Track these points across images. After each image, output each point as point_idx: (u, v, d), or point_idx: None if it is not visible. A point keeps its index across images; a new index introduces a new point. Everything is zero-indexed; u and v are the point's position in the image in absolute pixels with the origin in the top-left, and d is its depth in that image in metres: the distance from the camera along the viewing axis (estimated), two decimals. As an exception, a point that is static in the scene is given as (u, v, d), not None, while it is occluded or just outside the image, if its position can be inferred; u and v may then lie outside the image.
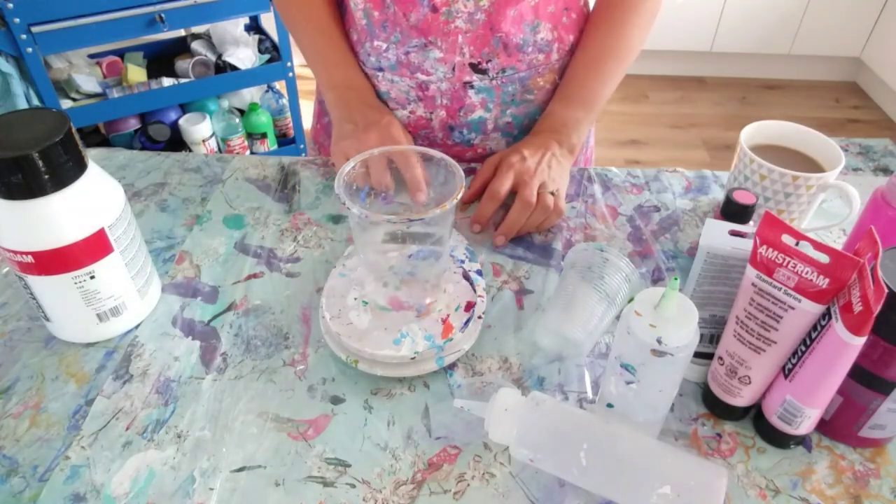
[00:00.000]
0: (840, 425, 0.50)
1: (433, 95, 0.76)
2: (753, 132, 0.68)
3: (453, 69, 0.73)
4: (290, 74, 1.95)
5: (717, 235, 0.50)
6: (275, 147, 2.10)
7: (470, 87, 0.75)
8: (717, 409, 0.52)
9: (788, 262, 0.44)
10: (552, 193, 0.67)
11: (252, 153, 2.07)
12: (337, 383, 0.55)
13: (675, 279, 0.42)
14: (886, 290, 0.41)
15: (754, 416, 0.52)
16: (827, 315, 0.43)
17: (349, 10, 0.76)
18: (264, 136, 2.05)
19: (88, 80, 1.80)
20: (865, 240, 0.45)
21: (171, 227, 0.70)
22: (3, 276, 0.64)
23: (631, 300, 0.45)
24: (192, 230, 0.69)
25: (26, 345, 0.57)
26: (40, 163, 0.47)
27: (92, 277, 0.53)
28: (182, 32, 2.06)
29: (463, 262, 0.61)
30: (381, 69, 0.76)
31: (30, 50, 1.57)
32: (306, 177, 0.77)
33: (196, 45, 1.99)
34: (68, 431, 0.51)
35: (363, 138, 0.69)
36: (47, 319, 0.56)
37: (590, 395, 0.54)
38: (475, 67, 0.73)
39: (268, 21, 2.07)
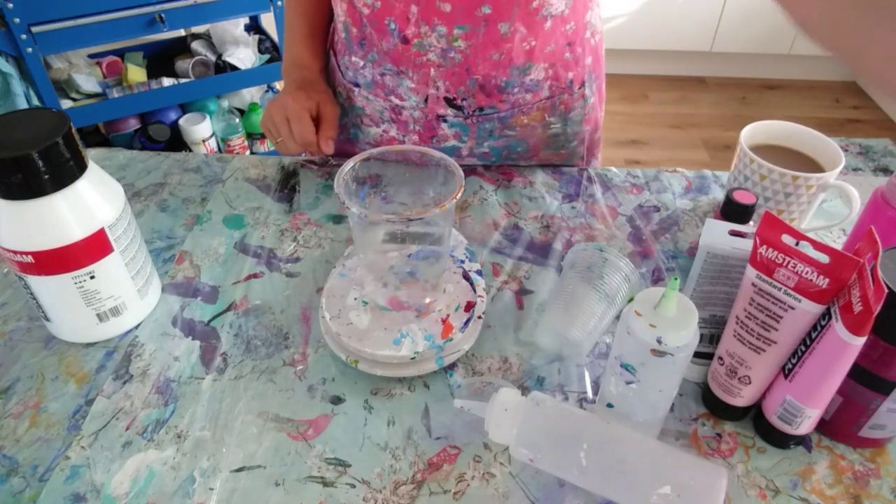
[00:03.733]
0: (840, 425, 0.50)
1: (406, 121, 0.74)
2: (753, 132, 0.68)
3: (426, 100, 0.71)
4: (291, 74, 1.95)
5: (717, 235, 0.50)
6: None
7: (444, 121, 0.72)
8: (717, 409, 0.52)
9: (788, 262, 0.44)
10: None
11: (252, 153, 2.07)
12: (337, 383, 0.55)
13: (675, 279, 0.42)
14: (886, 290, 0.41)
15: (754, 416, 0.52)
16: (827, 315, 0.43)
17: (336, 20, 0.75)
18: (264, 136, 2.05)
19: (88, 80, 1.80)
20: (865, 240, 0.45)
21: (171, 227, 0.70)
22: (3, 276, 0.64)
23: (631, 300, 0.45)
24: (192, 230, 0.69)
25: (26, 345, 0.57)
26: (40, 163, 0.47)
27: (92, 277, 0.53)
28: (182, 32, 2.06)
29: (463, 262, 0.61)
30: (357, 85, 0.75)
31: (30, 50, 1.57)
32: (306, 177, 0.77)
33: (196, 45, 1.99)
34: (68, 431, 0.51)
35: (282, 99, 0.73)
36: (47, 319, 0.56)
37: (590, 395, 0.54)
38: (450, 102, 0.70)
39: (268, 21, 2.07)
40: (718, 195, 0.76)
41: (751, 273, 0.46)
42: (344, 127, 0.80)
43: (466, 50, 0.65)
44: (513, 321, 0.60)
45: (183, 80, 1.88)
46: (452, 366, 0.56)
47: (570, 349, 0.55)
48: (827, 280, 0.42)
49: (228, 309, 0.61)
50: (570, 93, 0.74)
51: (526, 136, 0.76)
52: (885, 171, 0.83)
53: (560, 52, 0.70)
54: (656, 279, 0.65)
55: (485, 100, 0.70)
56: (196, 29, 2.06)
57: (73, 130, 0.50)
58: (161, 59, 1.99)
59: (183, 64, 1.93)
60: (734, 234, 0.50)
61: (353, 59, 0.73)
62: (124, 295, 0.56)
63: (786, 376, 0.47)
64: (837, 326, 0.42)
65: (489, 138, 0.75)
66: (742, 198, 0.57)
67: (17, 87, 1.60)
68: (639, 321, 0.43)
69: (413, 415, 0.52)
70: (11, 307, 0.61)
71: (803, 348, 0.45)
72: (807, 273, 0.43)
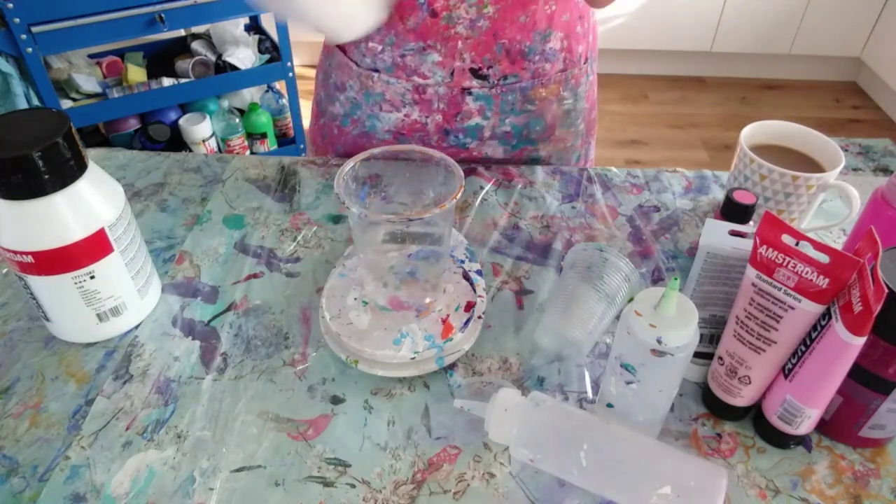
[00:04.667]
0: (840, 425, 0.50)
1: (430, 99, 0.75)
2: (753, 132, 0.68)
3: (452, 74, 0.73)
4: (290, 74, 1.95)
5: (717, 235, 0.50)
6: (275, 147, 2.11)
7: (468, 94, 0.74)
8: (717, 409, 0.52)
9: (788, 262, 0.44)
10: None
11: (252, 153, 2.07)
12: (337, 383, 0.55)
13: (675, 279, 0.42)
14: (886, 290, 0.41)
15: (754, 416, 0.52)
16: (827, 315, 0.43)
17: None
18: (264, 136, 2.05)
19: (88, 80, 1.80)
20: (865, 240, 0.45)
21: (171, 227, 0.70)
22: (3, 276, 0.64)
23: (631, 300, 0.45)
24: (192, 230, 0.69)
25: (26, 345, 0.57)
26: (40, 163, 0.47)
27: (92, 277, 0.53)
28: (182, 32, 2.06)
29: (463, 262, 0.61)
30: (376, 70, 0.75)
31: (30, 50, 1.57)
32: (306, 177, 0.77)
33: (196, 45, 1.99)
34: (68, 431, 0.51)
35: None
36: (47, 319, 0.56)
37: (590, 395, 0.54)
38: (476, 73, 0.73)
39: (268, 21, 2.07)
40: (718, 195, 0.76)
41: (751, 273, 0.46)
42: (358, 120, 0.80)
43: (495, 14, 0.69)
44: (513, 321, 0.60)
45: (183, 80, 1.88)
46: (452, 366, 0.56)
47: (570, 349, 0.55)
48: (827, 280, 0.42)
49: (228, 309, 0.61)
50: (579, 67, 0.78)
51: (543, 111, 0.78)
52: (885, 171, 0.83)
53: (573, 24, 0.74)
54: (656, 279, 0.65)
55: (509, 67, 0.73)
56: (196, 29, 2.06)
57: (73, 130, 0.50)
58: (161, 59, 1.99)
59: (183, 64, 1.93)
60: (734, 234, 0.50)
61: (371, 44, 0.73)
62: (124, 295, 0.56)
63: (786, 376, 0.47)
64: (837, 326, 0.42)
65: (511, 113, 0.77)
66: (742, 198, 0.57)
67: (17, 87, 1.60)
68: (639, 321, 0.43)
69: (413, 415, 0.52)
70: (11, 307, 0.61)
71: (803, 348, 0.45)
72: (807, 273, 0.43)
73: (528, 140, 0.80)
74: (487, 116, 0.76)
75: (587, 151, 0.88)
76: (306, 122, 2.20)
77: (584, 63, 0.78)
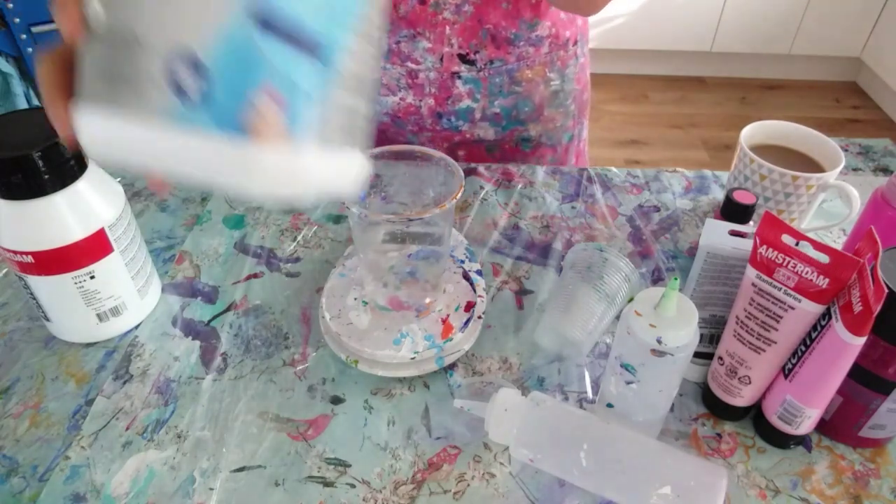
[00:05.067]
0: (840, 425, 0.50)
1: (422, 84, 0.78)
2: (753, 132, 0.68)
3: (441, 59, 0.75)
4: (290, 74, 1.95)
5: (717, 235, 0.50)
6: (275, 147, 2.10)
7: (458, 78, 0.77)
8: (717, 409, 0.52)
9: (788, 262, 0.44)
10: None
11: (252, 153, 2.07)
12: (337, 383, 0.55)
13: (675, 279, 0.42)
14: (886, 290, 0.41)
15: (754, 416, 0.52)
16: (827, 315, 0.43)
17: None
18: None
19: (88, 80, 1.80)
20: (865, 240, 0.45)
21: (171, 227, 0.70)
22: (3, 276, 0.64)
23: (631, 300, 0.45)
24: (192, 230, 0.69)
25: (26, 345, 0.57)
26: (40, 163, 0.47)
27: (92, 277, 0.53)
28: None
29: (463, 262, 0.61)
30: None
31: (30, 50, 1.57)
32: (306, 177, 0.77)
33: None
34: (68, 431, 0.51)
35: None
36: (47, 319, 0.56)
37: (590, 395, 0.54)
38: (463, 58, 0.75)
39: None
40: (718, 195, 0.76)
41: (751, 273, 0.46)
42: None
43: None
44: (513, 321, 0.60)
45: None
46: (452, 366, 0.56)
47: (570, 349, 0.55)
48: (827, 280, 0.42)
49: (228, 309, 0.61)
50: (566, 49, 0.80)
51: (531, 92, 0.80)
52: (885, 171, 0.83)
53: (559, 11, 0.77)
54: (656, 279, 0.65)
55: (495, 52, 0.76)
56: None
57: (73, 130, 0.49)
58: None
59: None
60: (734, 234, 0.50)
61: None
62: (124, 295, 0.56)
63: (786, 376, 0.47)
64: (837, 326, 0.42)
65: (499, 95, 0.79)
66: (742, 198, 0.57)
67: (17, 87, 1.60)
68: (639, 321, 0.43)
69: (413, 415, 0.52)
70: (11, 307, 0.61)
71: (803, 348, 0.45)
72: (807, 273, 0.43)
73: (517, 121, 0.82)
74: (477, 99, 0.79)
75: (580, 132, 0.90)
76: (306, 122, 2.20)
77: (574, 45, 0.81)
